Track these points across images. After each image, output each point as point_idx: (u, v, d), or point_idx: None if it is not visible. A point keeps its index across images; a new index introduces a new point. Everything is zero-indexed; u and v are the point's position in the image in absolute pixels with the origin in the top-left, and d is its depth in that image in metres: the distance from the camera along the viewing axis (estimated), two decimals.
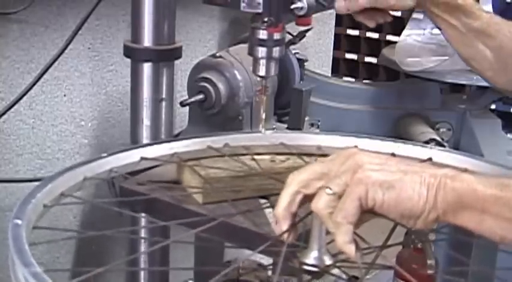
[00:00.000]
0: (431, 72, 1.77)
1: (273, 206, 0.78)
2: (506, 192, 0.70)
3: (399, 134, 1.70)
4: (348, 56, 4.50)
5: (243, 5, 1.12)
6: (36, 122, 1.51)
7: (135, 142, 1.33)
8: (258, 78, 1.18)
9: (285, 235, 0.78)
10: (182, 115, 1.65)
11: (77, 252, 1.66)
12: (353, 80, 3.91)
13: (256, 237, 0.96)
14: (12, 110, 1.38)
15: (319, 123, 1.56)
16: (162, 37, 1.30)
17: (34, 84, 1.37)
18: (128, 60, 1.33)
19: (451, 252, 1.08)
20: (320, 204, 0.73)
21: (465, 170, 1.00)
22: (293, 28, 1.29)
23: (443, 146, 1.57)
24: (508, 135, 2.07)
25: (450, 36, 1.21)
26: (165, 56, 1.32)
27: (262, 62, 1.14)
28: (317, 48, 2.34)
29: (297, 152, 1.14)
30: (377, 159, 0.74)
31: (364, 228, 0.78)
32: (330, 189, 0.73)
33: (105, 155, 1.00)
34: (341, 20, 3.60)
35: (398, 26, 2.18)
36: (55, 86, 1.52)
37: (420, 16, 1.80)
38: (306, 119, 1.52)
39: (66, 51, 1.39)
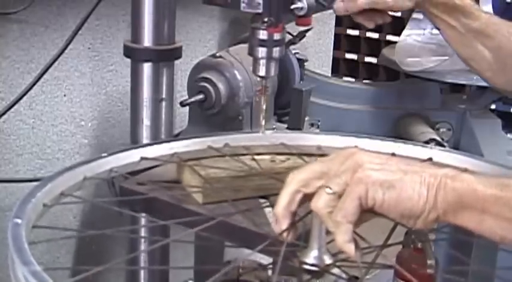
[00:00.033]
0: (431, 72, 1.77)
1: (272, 206, 0.78)
2: (507, 192, 0.70)
3: (399, 134, 1.70)
4: (348, 56, 4.50)
5: (243, 5, 1.12)
6: (36, 122, 1.51)
7: (135, 142, 1.33)
8: (258, 79, 1.18)
9: (285, 234, 0.78)
10: (182, 115, 1.65)
11: (77, 252, 1.66)
12: (353, 80, 3.91)
13: (255, 237, 0.96)
14: (12, 110, 1.38)
15: (319, 123, 1.56)
16: (162, 37, 1.30)
17: (34, 84, 1.37)
18: (128, 60, 1.33)
19: (452, 252, 1.09)
20: (320, 203, 0.73)
21: (465, 170, 1.00)
22: (293, 28, 1.29)
23: (443, 146, 1.57)
24: (508, 135, 2.07)
25: (449, 37, 1.21)
26: (165, 56, 1.32)
27: (262, 62, 1.14)
28: (317, 48, 2.34)
29: (297, 152, 1.14)
30: (377, 159, 0.74)
31: (364, 228, 0.78)
32: (330, 188, 0.73)
33: (105, 154, 1.00)
34: (341, 20, 3.60)
35: (398, 26, 2.18)
36: (55, 86, 1.52)
37: (420, 16, 1.80)
38: (306, 119, 1.52)
39: (66, 51, 1.39)
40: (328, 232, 0.76)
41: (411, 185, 0.71)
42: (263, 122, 1.19)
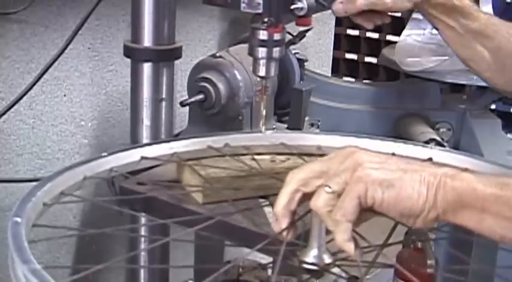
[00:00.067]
0: (431, 72, 1.77)
1: (272, 205, 0.78)
2: (506, 191, 0.70)
3: (399, 134, 1.70)
4: (348, 56, 4.51)
5: (243, 5, 1.12)
6: (36, 122, 1.51)
7: (135, 142, 1.33)
8: (258, 79, 1.18)
9: (284, 233, 0.78)
10: (182, 115, 1.65)
11: (77, 252, 1.66)
12: (353, 80, 3.92)
13: (255, 237, 0.97)
14: (12, 110, 1.38)
15: (319, 123, 1.56)
16: (162, 37, 1.30)
17: (34, 84, 1.37)
18: (128, 60, 1.34)
19: (452, 251, 1.08)
20: (319, 202, 0.73)
21: (465, 170, 1.00)
22: (293, 28, 1.29)
23: (443, 146, 1.57)
24: (508, 135, 2.07)
25: (448, 37, 1.21)
26: (165, 56, 1.32)
27: (262, 62, 1.14)
28: (317, 48, 2.34)
29: (297, 152, 1.14)
30: (377, 158, 0.74)
31: (364, 227, 0.78)
32: (329, 187, 0.73)
33: (105, 154, 1.00)
34: (341, 20, 3.60)
35: (398, 26, 2.18)
36: (55, 86, 1.52)
37: (420, 16, 1.79)
38: (306, 119, 1.51)
39: (66, 51, 1.39)
40: (328, 231, 0.77)
41: (411, 184, 0.71)
42: (263, 122, 1.19)
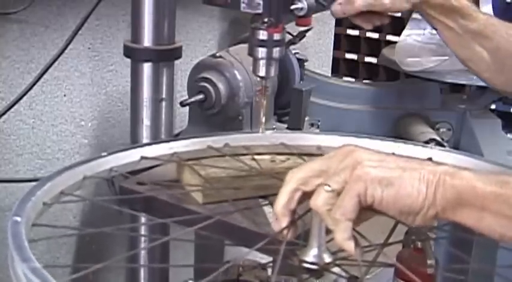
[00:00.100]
0: (431, 72, 1.77)
1: (272, 205, 0.78)
2: (506, 190, 0.70)
3: (399, 134, 1.70)
4: (348, 56, 4.51)
5: (243, 5, 1.12)
6: (36, 122, 1.51)
7: (135, 142, 1.33)
8: (258, 79, 1.18)
9: (284, 232, 0.78)
10: (182, 115, 1.65)
11: (77, 252, 1.66)
12: (353, 80, 3.92)
13: (255, 236, 0.97)
14: (12, 110, 1.38)
15: (319, 123, 1.56)
16: (162, 37, 1.30)
17: (34, 84, 1.37)
18: (128, 60, 1.34)
19: (452, 250, 1.08)
20: (319, 201, 0.73)
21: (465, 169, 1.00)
22: (293, 28, 1.29)
23: (443, 146, 1.57)
24: (508, 135, 2.07)
25: (447, 38, 1.21)
26: (165, 56, 1.32)
27: (262, 62, 1.14)
28: (317, 48, 2.34)
29: (297, 152, 1.14)
30: (376, 156, 0.74)
31: (364, 227, 0.78)
32: (329, 186, 0.73)
33: (104, 154, 1.00)
34: (341, 20, 3.59)
35: (398, 26, 2.18)
36: (55, 86, 1.52)
37: (420, 16, 1.80)
38: (306, 119, 1.51)
39: (66, 51, 1.39)
40: (328, 230, 0.77)
41: (410, 182, 0.71)
42: (263, 122, 1.19)
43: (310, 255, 0.80)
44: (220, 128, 1.35)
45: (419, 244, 1.35)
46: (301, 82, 1.56)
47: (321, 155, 1.09)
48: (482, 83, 1.34)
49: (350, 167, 0.72)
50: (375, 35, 4.26)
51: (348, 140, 1.13)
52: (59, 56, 1.38)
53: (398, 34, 1.88)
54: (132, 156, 1.04)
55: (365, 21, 1.17)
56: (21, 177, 1.48)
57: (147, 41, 1.29)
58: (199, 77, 1.39)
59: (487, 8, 1.76)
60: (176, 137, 1.36)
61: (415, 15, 1.81)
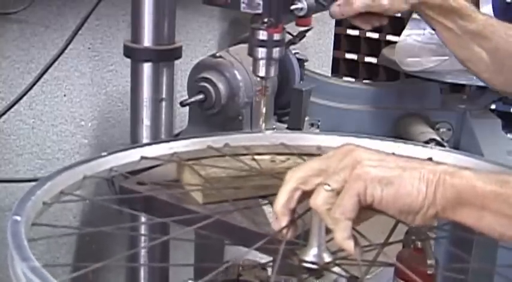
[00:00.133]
0: (431, 72, 1.77)
1: (272, 204, 0.78)
2: (506, 189, 0.70)
3: (399, 134, 1.70)
4: (348, 56, 4.51)
5: (243, 5, 1.12)
6: (36, 122, 1.51)
7: (135, 142, 1.33)
8: (258, 79, 1.18)
9: (284, 231, 0.78)
10: (182, 115, 1.65)
11: (77, 252, 1.66)
12: (353, 80, 3.92)
13: (255, 236, 0.97)
14: (12, 110, 1.38)
15: (319, 123, 1.56)
16: (162, 37, 1.30)
17: (34, 84, 1.37)
18: (128, 60, 1.34)
19: (452, 249, 1.09)
20: (318, 200, 0.73)
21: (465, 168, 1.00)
22: (293, 28, 1.29)
23: (443, 146, 1.57)
24: (508, 135, 2.07)
25: (446, 39, 1.21)
26: (165, 56, 1.32)
27: (262, 62, 1.14)
28: (317, 48, 2.34)
29: (297, 152, 1.14)
30: (376, 156, 0.74)
31: (364, 226, 0.78)
32: (329, 185, 0.73)
33: (104, 154, 1.00)
34: (341, 20, 3.59)
35: (398, 26, 2.18)
36: (55, 86, 1.52)
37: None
38: (306, 119, 1.52)
39: (66, 51, 1.39)
40: (327, 230, 0.77)
41: (410, 181, 0.71)
42: (263, 122, 1.19)
43: (310, 254, 0.80)
44: (220, 128, 1.35)
45: (419, 244, 1.35)
46: (301, 82, 1.56)
47: (321, 155, 1.10)
48: (482, 83, 1.34)
49: (350, 166, 0.72)
50: (375, 35, 4.26)
51: (348, 140, 1.13)
52: (59, 56, 1.38)
53: (398, 34, 1.88)
54: (132, 156, 1.04)
55: (364, 22, 1.18)
56: (21, 177, 1.48)
57: (147, 41, 1.29)
58: (199, 77, 1.39)
59: (487, 8, 1.76)
60: (176, 137, 1.36)
61: (415, 15, 1.81)
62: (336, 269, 0.82)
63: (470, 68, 1.24)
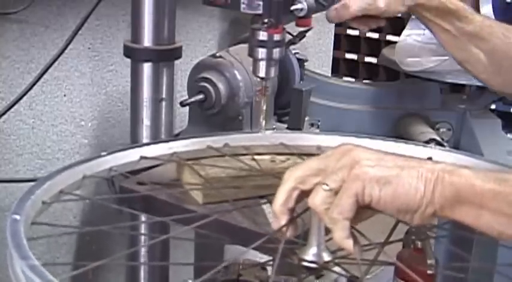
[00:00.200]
0: (431, 72, 1.77)
1: (271, 203, 0.78)
2: (505, 187, 0.70)
3: (399, 134, 1.70)
4: (348, 56, 4.51)
5: (243, 6, 1.12)
6: (36, 122, 1.51)
7: (135, 142, 1.33)
8: (258, 79, 1.18)
9: (283, 230, 0.78)
10: (182, 115, 1.65)
11: (77, 252, 1.66)
12: (353, 80, 3.92)
13: (255, 236, 0.96)
14: (12, 110, 1.38)
15: (319, 123, 1.56)
16: (162, 37, 1.30)
17: (34, 84, 1.37)
18: (128, 60, 1.34)
19: (452, 248, 1.09)
20: (317, 200, 0.73)
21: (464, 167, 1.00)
22: (293, 28, 1.29)
23: (443, 146, 1.57)
24: (508, 135, 2.07)
25: (443, 40, 1.21)
26: (165, 56, 1.32)
27: (262, 63, 1.14)
28: (317, 48, 2.34)
29: (297, 152, 1.14)
30: (374, 155, 0.74)
31: (364, 226, 0.78)
32: (327, 185, 0.72)
33: (104, 154, 1.00)
34: None
35: (398, 26, 2.18)
36: (55, 86, 1.52)
37: None
38: (306, 119, 1.52)
39: (66, 51, 1.39)
40: (327, 229, 0.77)
41: (408, 180, 0.71)
42: (263, 122, 1.19)
43: (310, 254, 0.80)
44: (220, 128, 1.35)
45: (419, 244, 1.35)
46: (301, 82, 1.56)
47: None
48: (482, 83, 1.34)
49: (348, 166, 0.72)
50: (375, 35, 4.26)
51: (347, 140, 1.13)
52: (59, 56, 1.38)
53: (398, 34, 1.88)
54: (131, 156, 1.04)
55: (361, 24, 1.18)
56: (21, 177, 1.48)
57: (147, 41, 1.29)
58: (199, 77, 1.39)
59: (487, 8, 1.76)
60: (176, 137, 1.36)
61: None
62: (336, 268, 0.82)
63: (468, 69, 1.24)
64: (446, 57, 1.73)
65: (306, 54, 1.64)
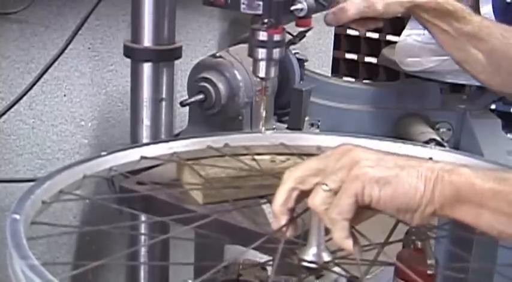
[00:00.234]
0: (431, 72, 1.77)
1: (271, 203, 0.78)
2: (505, 186, 0.70)
3: (399, 134, 1.70)
4: (348, 56, 4.51)
5: (242, 6, 1.12)
6: (36, 122, 1.51)
7: (135, 142, 1.33)
8: (258, 79, 1.18)
9: (283, 230, 0.78)
10: (182, 115, 1.65)
11: (77, 252, 1.66)
12: (353, 80, 3.92)
13: (255, 236, 0.96)
14: (12, 110, 1.38)
15: (319, 123, 1.56)
16: (162, 37, 1.30)
17: (34, 84, 1.37)
18: (128, 60, 1.34)
19: (452, 249, 1.09)
20: (316, 200, 0.73)
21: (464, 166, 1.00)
22: (293, 28, 1.29)
23: (443, 146, 1.57)
24: (508, 135, 2.07)
25: (442, 41, 1.21)
26: (165, 56, 1.32)
27: (262, 63, 1.14)
28: (317, 48, 2.34)
29: (297, 153, 1.14)
30: (374, 155, 0.74)
31: (365, 226, 0.78)
32: (326, 185, 0.72)
33: (104, 153, 1.00)
34: None
35: (398, 26, 2.18)
36: (55, 86, 1.52)
37: None
38: (306, 119, 1.52)
39: (66, 51, 1.39)
40: (327, 229, 0.77)
41: (407, 180, 0.71)
42: (263, 122, 1.19)
43: (310, 254, 0.80)
44: (220, 128, 1.35)
45: (419, 244, 1.35)
46: (301, 82, 1.56)
47: None
48: None
49: (347, 166, 0.72)
50: (375, 35, 4.26)
51: (347, 140, 1.13)
52: (59, 56, 1.38)
53: (398, 34, 1.88)
54: (131, 155, 1.04)
55: (360, 25, 1.18)
56: (21, 177, 1.48)
57: (147, 41, 1.29)
58: (199, 77, 1.39)
59: (487, 8, 1.76)
60: (176, 137, 1.36)
61: None
62: (336, 268, 0.82)
63: (467, 69, 1.24)
64: (446, 57, 1.73)
65: (306, 54, 1.64)
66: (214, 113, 1.40)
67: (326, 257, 0.80)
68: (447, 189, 0.71)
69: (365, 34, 4.33)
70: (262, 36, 1.12)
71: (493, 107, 3.31)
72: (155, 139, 1.32)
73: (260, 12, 1.10)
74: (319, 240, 0.80)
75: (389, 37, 4.07)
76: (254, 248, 0.83)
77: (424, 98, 1.80)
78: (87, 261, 0.72)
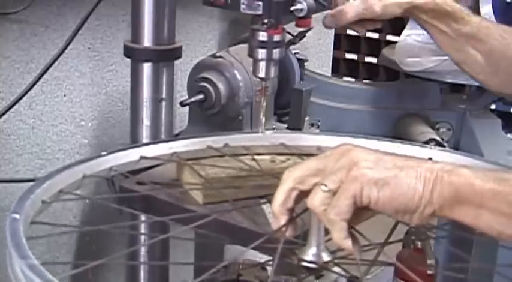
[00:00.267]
0: (431, 72, 1.77)
1: (270, 202, 0.78)
2: (504, 187, 0.70)
3: (399, 134, 1.70)
4: (348, 56, 4.51)
5: (242, 6, 1.12)
6: (36, 122, 1.51)
7: (135, 142, 1.33)
8: (258, 79, 1.18)
9: (283, 230, 0.78)
10: (182, 115, 1.65)
11: (77, 252, 1.66)
12: (353, 80, 3.92)
13: (255, 236, 0.97)
14: (12, 110, 1.38)
15: (319, 123, 1.56)
16: (162, 37, 1.30)
17: (34, 84, 1.37)
18: (128, 60, 1.34)
19: (452, 249, 1.09)
20: (315, 200, 0.73)
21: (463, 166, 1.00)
22: (293, 28, 1.29)
23: (443, 146, 1.57)
24: (508, 135, 2.07)
25: (440, 42, 1.21)
26: (165, 56, 1.32)
27: (262, 63, 1.14)
28: (317, 48, 2.34)
29: (297, 153, 1.14)
30: (373, 156, 0.74)
31: (365, 226, 0.78)
32: (325, 185, 0.72)
33: (104, 153, 1.01)
34: None
35: (398, 26, 2.18)
36: (55, 86, 1.52)
37: None
38: (306, 119, 1.52)
39: (66, 51, 1.39)
40: (326, 230, 0.77)
41: (406, 181, 0.71)
42: (263, 122, 1.19)
43: (309, 254, 0.80)
44: (220, 128, 1.35)
45: (419, 244, 1.35)
46: (301, 82, 1.56)
47: None
48: None
49: (346, 167, 0.72)
50: (375, 35, 4.25)
51: (347, 140, 1.13)
52: (59, 56, 1.38)
53: (398, 34, 1.88)
54: (131, 155, 1.04)
55: (358, 27, 1.19)
56: (21, 177, 1.48)
57: (147, 41, 1.29)
58: (199, 77, 1.39)
59: (487, 8, 1.76)
60: (176, 137, 1.36)
61: None
62: (335, 268, 0.82)
63: (466, 70, 1.24)
64: (446, 57, 1.73)
65: (306, 54, 1.64)
66: (214, 113, 1.40)
67: (326, 257, 0.81)
68: (446, 190, 0.71)
69: (365, 34, 4.32)
70: (262, 36, 1.12)
71: (493, 107, 3.31)
72: (155, 139, 1.32)
73: (260, 12, 1.10)
74: (319, 240, 0.80)
75: (389, 37, 4.07)
76: (254, 248, 0.83)
77: (424, 98, 1.80)
78: (87, 260, 0.72)
